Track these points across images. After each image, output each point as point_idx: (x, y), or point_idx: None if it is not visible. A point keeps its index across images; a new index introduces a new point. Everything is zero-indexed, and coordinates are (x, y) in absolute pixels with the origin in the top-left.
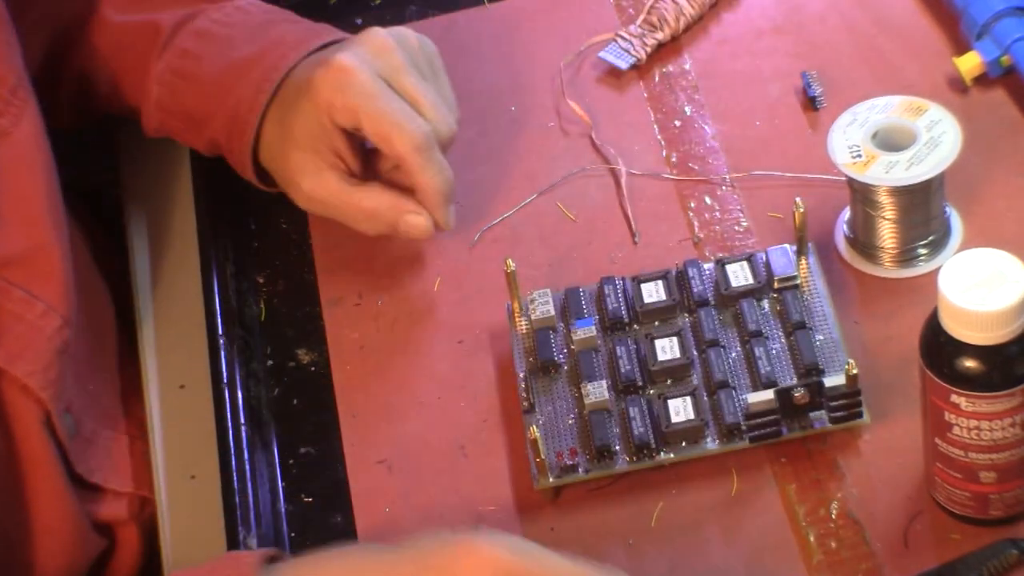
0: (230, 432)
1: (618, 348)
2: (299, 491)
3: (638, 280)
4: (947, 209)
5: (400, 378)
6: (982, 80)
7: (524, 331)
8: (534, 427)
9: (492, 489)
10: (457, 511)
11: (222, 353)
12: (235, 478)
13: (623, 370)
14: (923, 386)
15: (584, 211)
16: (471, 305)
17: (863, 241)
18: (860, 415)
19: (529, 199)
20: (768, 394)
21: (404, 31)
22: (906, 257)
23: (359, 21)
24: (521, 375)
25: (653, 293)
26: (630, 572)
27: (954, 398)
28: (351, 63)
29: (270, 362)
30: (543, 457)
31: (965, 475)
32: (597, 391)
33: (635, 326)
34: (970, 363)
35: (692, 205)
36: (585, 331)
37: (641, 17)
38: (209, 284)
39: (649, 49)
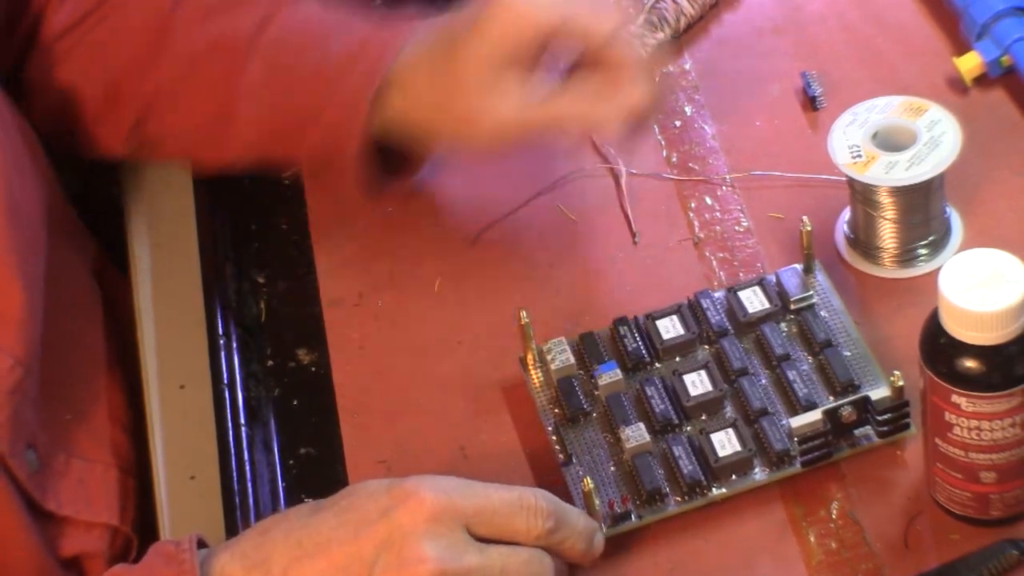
0: (230, 432)
1: (647, 388)
2: (299, 491)
3: (652, 317)
4: (947, 209)
5: (400, 378)
6: (982, 80)
7: (539, 383)
8: (588, 479)
9: None
10: None
11: (222, 353)
12: (235, 478)
13: (657, 410)
14: (923, 386)
15: (584, 211)
16: (471, 305)
17: (863, 241)
18: (908, 426)
19: (529, 199)
20: (815, 415)
21: None
22: (906, 257)
23: None
24: (550, 428)
25: (670, 328)
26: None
27: (954, 398)
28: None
29: (270, 362)
30: (597, 509)
31: (965, 475)
32: (636, 435)
33: (657, 364)
34: (970, 363)
35: (692, 205)
36: (611, 375)
37: (641, 17)
38: (209, 284)
39: (649, 49)
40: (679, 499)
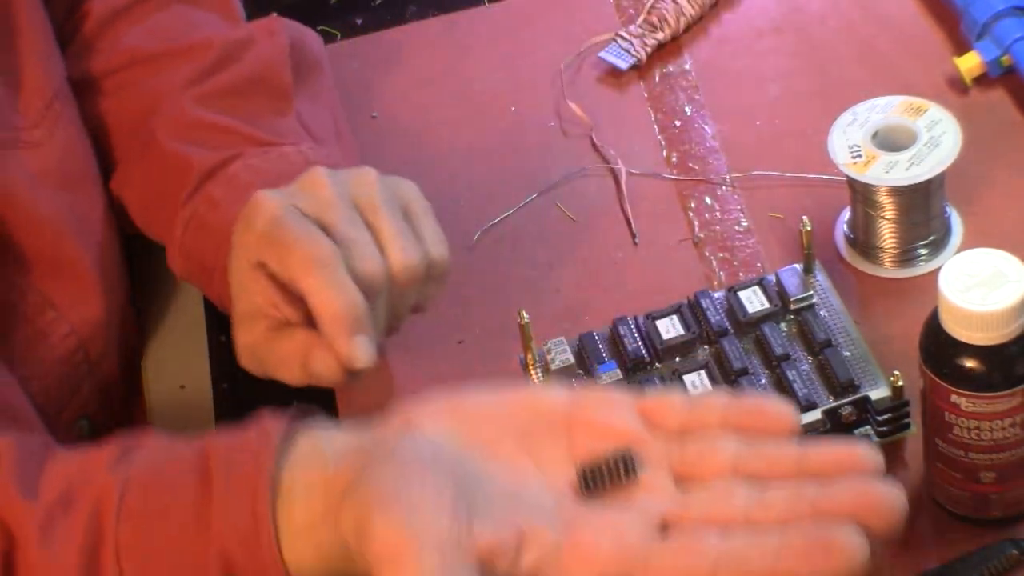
0: None
1: (647, 389)
2: None
3: (652, 317)
4: (947, 209)
5: (400, 378)
6: (982, 80)
7: (539, 383)
8: None
9: None
10: None
11: (222, 353)
12: None
13: None
14: (923, 386)
15: (584, 211)
16: (471, 305)
17: (863, 241)
18: (907, 426)
19: (529, 199)
20: (815, 415)
21: (366, 171)
22: (906, 257)
23: (359, 21)
24: None
25: (670, 328)
26: None
27: (954, 398)
28: (262, 196)
29: None
30: None
31: (965, 475)
32: None
33: (657, 364)
34: (970, 363)
35: (692, 205)
36: (611, 375)
37: (641, 17)
38: None
39: (649, 49)
40: None
